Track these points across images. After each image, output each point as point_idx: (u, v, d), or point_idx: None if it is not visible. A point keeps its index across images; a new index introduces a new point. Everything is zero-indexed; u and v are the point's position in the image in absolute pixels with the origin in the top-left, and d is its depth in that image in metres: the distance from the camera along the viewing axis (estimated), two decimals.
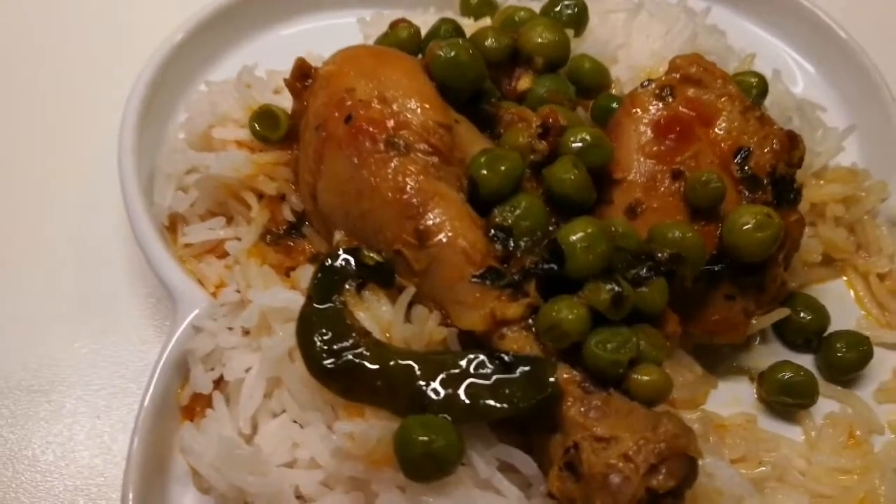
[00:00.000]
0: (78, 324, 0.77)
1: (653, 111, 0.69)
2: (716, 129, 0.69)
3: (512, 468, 0.58)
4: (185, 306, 0.69)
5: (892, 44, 0.97)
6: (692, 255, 0.63)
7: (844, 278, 0.80)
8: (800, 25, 0.91)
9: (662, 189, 0.67)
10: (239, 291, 0.69)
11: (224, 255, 0.73)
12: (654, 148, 0.68)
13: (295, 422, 0.63)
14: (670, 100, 0.69)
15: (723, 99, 0.70)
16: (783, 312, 0.70)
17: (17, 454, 0.71)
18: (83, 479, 0.70)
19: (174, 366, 0.67)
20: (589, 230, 0.59)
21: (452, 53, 0.67)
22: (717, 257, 0.66)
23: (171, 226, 0.75)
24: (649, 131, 0.69)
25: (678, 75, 0.70)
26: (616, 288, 0.58)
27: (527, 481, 0.58)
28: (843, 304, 0.78)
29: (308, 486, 0.59)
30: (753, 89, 0.74)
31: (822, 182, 0.79)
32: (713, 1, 0.92)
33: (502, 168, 0.62)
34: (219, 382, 0.66)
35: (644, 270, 0.61)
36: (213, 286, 0.71)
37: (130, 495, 0.62)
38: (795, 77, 0.91)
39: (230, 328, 0.67)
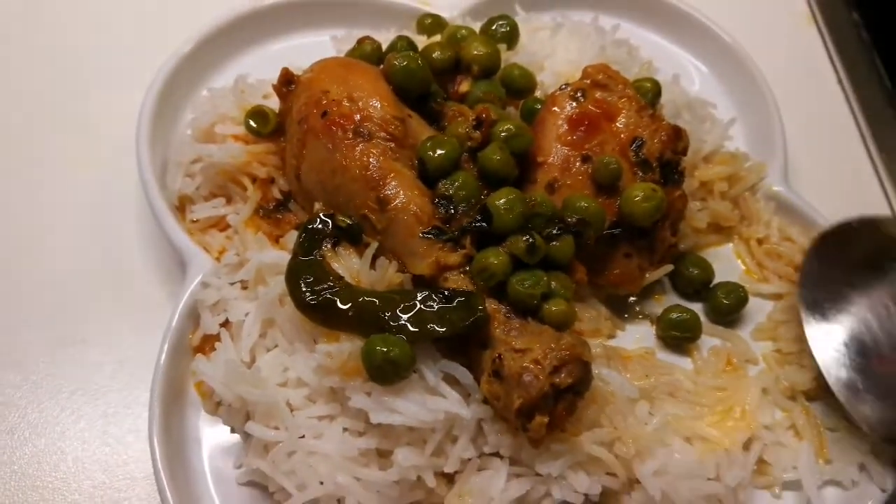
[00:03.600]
0: (105, 288, 0.92)
1: (568, 109, 0.86)
2: (617, 124, 0.85)
3: (454, 380, 0.74)
4: (194, 268, 0.85)
5: (770, 46, 1.14)
6: (594, 220, 0.80)
7: (731, 244, 0.97)
8: (694, 34, 1.09)
9: (574, 170, 0.84)
10: (238, 255, 0.84)
11: (225, 228, 0.89)
12: (569, 138, 0.85)
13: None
14: (582, 100, 0.86)
15: (623, 100, 0.86)
16: (668, 268, 0.87)
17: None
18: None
19: (187, 314, 0.82)
20: (510, 196, 0.77)
21: (405, 63, 0.84)
22: (616, 223, 0.83)
23: (181, 206, 0.91)
24: (565, 125, 0.85)
25: (589, 81, 0.87)
26: (530, 239, 0.75)
27: (466, 391, 0.74)
28: (729, 262, 0.95)
29: (296, 398, 0.75)
30: (649, 92, 0.91)
31: (710, 164, 0.96)
32: (624, 19, 1.09)
33: (444, 151, 0.80)
34: (224, 325, 0.82)
35: (555, 230, 0.78)
36: (216, 252, 0.87)
37: (156, 417, 0.78)
38: (693, 78, 1.08)
39: (231, 283, 0.83)
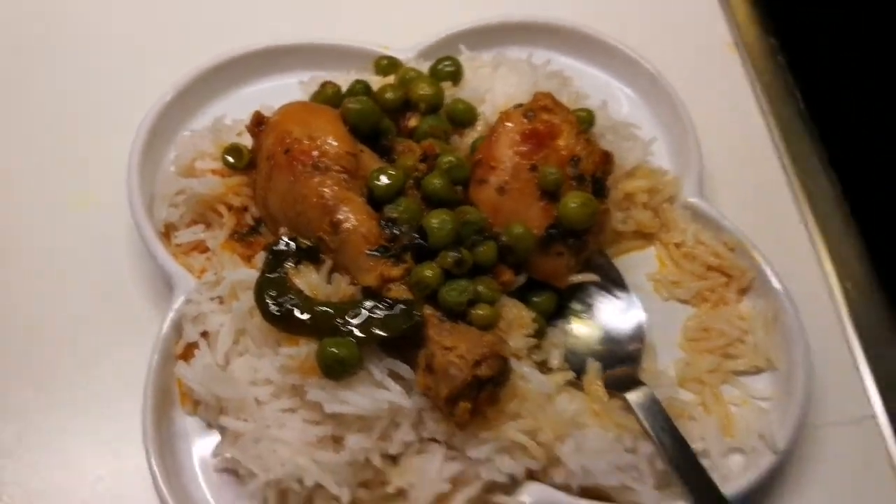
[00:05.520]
0: (102, 309, 1.04)
1: (520, 125, 0.98)
2: (559, 142, 0.97)
3: (398, 375, 0.86)
4: (179, 286, 0.98)
5: (696, 71, 1.29)
6: (521, 242, 0.93)
7: (653, 247, 1.09)
8: (621, 64, 1.22)
9: (523, 176, 0.95)
10: (215, 274, 0.97)
11: (205, 250, 1.02)
12: (520, 149, 0.96)
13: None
14: (532, 119, 0.98)
15: (565, 123, 0.98)
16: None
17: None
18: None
19: (173, 327, 0.95)
20: (442, 217, 0.90)
21: (358, 107, 0.98)
22: (554, 225, 0.94)
23: (167, 232, 1.03)
24: (517, 137, 0.97)
25: (538, 104, 0.99)
26: (457, 255, 0.89)
27: (408, 385, 0.87)
28: (649, 263, 1.08)
29: (263, 395, 0.87)
30: (584, 121, 1.04)
31: (633, 178, 1.08)
32: (558, 53, 1.23)
33: (389, 181, 0.93)
34: (203, 335, 0.95)
35: (481, 238, 0.91)
36: (197, 272, 0.99)
37: (148, 416, 0.90)
38: (622, 102, 1.21)
39: (210, 298, 0.96)
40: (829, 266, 1.13)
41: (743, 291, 1.06)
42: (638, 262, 1.09)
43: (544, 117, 0.99)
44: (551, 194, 0.95)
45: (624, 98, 1.23)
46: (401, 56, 1.17)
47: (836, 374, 1.04)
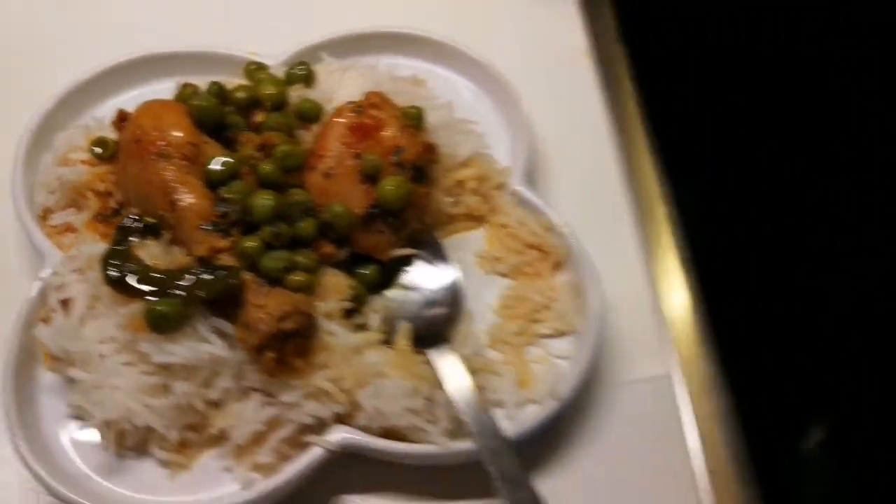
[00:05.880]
0: None
1: (348, 119, 1.12)
2: (384, 134, 1.10)
3: (222, 332, 0.99)
4: (49, 260, 1.11)
5: (547, 75, 1.44)
6: (339, 219, 1.06)
7: (482, 228, 1.22)
8: (466, 65, 1.35)
9: (346, 163, 1.09)
10: (78, 249, 1.11)
11: (75, 231, 1.16)
12: (346, 140, 1.10)
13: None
14: (360, 113, 1.12)
15: (391, 118, 1.12)
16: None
17: None
18: None
19: (39, 294, 1.08)
20: (265, 196, 1.03)
21: (200, 103, 1.12)
22: (374, 206, 1.08)
23: (44, 215, 1.16)
24: (344, 129, 1.11)
25: (367, 101, 1.13)
26: (275, 229, 1.02)
27: (232, 341, 1.00)
28: (478, 242, 1.21)
29: (106, 350, 1.00)
30: (414, 117, 1.17)
31: (466, 168, 1.22)
32: (408, 58, 1.37)
33: (223, 166, 1.07)
34: (63, 301, 1.08)
35: (304, 216, 1.05)
36: (67, 249, 1.13)
37: (9, 370, 1.03)
38: (466, 99, 1.34)
39: (72, 270, 1.08)
40: (644, 251, 1.27)
41: (557, 266, 1.19)
42: (468, 242, 1.22)
43: (372, 113, 1.13)
44: (371, 178, 1.09)
45: (470, 95, 1.36)
46: (269, 62, 1.31)
47: (639, 339, 1.18)
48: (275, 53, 1.34)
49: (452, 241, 1.21)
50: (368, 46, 1.39)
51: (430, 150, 1.14)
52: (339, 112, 1.14)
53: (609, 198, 1.33)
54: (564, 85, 1.47)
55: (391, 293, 1.13)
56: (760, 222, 1.38)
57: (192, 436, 1.01)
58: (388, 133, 1.12)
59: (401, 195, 1.08)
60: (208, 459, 1.02)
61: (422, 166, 1.13)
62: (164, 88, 1.31)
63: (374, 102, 1.14)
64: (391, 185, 1.08)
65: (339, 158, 1.10)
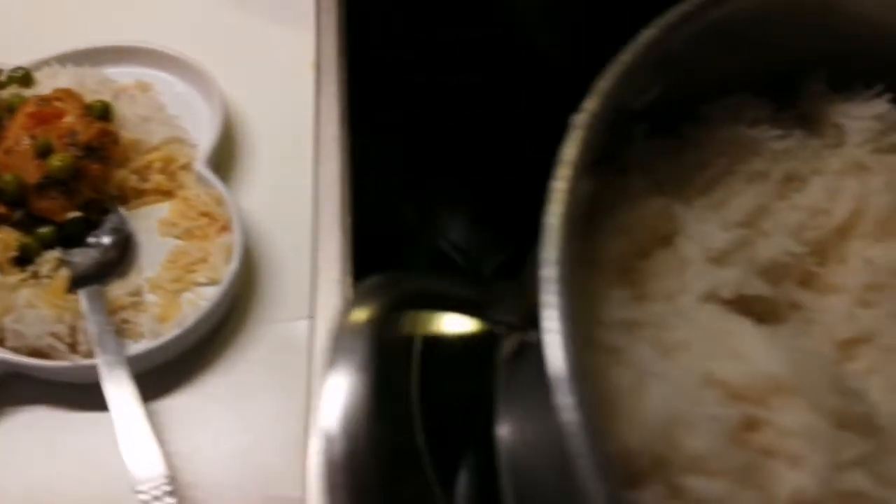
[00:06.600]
0: None
1: (32, 108, 1.36)
2: (63, 121, 1.35)
3: None
4: None
5: (270, 83, 1.68)
6: (7, 186, 1.30)
7: (171, 201, 1.46)
8: (177, 67, 1.59)
9: (24, 143, 1.31)
10: None
11: None
12: (26, 125, 1.33)
13: None
14: (43, 105, 1.37)
15: (72, 108, 1.37)
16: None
17: None
18: None
19: None
20: None
21: None
22: (46, 176, 1.30)
23: None
24: (26, 117, 1.34)
25: (53, 95, 1.39)
26: None
27: None
28: (163, 212, 1.44)
29: None
30: (98, 110, 1.42)
31: (156, 151, 1.46)
32: (141, 68, 1.60)
33: None
34: None
35: None
36: None
37: None
38: (183, 97, 1.57)
39: None
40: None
41: (222, 230, 1.42)
42: (155, 211, 1.44)
43: (56, 104, 1.38)
44: (43, 154, 1.34)
45: (188, 95, 1.60)
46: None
47: (289, 292, 1.41)
48: (11, 64, 1.60)
49: (142, 212, 1.45)
50: (103, 59, 1.63)
51: (105, 135, 1.39)
52: (27, 104, 1.39)
53: (298, 181, 1.56)
54: (288, 91, 1.70)
55: (70, 249, 1.37)
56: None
57: None
58: (67, 120, 1.37)
59: (66, 167, 1.32)
60: None
61: (97, 147, 1.38)
62: None
63: (59, 96, 1.40)
64: (58, 160, 1.32)
65: (17, 139, 1.35)
